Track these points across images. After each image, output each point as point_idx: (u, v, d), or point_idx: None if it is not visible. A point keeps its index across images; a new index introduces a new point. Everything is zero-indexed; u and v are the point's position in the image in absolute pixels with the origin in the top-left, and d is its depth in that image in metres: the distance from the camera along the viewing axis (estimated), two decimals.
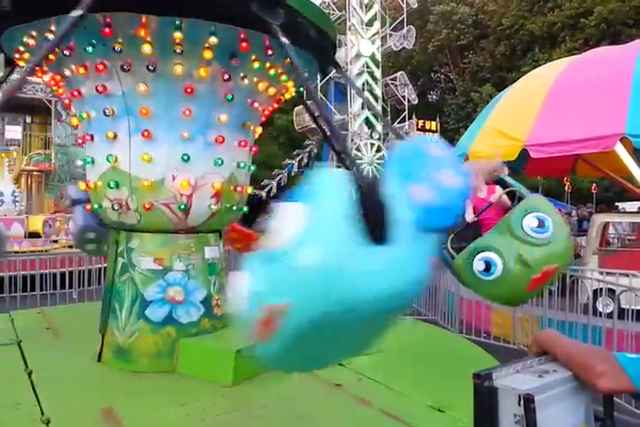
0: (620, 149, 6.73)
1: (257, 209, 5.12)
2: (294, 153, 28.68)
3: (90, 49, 3.34)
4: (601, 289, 6.16)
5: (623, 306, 5.44)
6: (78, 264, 8.11)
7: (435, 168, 1.52)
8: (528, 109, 7.12)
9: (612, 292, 5.81)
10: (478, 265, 2.65)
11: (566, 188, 20.84)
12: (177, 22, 3.25)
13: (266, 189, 27.53)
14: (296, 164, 28.13)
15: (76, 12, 2.81)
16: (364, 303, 1.31)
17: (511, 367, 1.02)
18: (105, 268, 4.14)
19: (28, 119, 21.41)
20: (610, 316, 5.30)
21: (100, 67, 3.42)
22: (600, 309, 5.80)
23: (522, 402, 0.90)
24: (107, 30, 3.23)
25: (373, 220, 1.49)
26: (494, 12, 36.23)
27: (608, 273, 6.13)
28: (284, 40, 3.17)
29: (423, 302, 7.81)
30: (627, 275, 5.74)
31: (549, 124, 6.76)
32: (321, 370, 3.48)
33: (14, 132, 20.38)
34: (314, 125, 22.99)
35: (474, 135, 8.21)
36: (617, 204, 21.63)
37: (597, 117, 6.36)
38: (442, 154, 1.59)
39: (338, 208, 1.37)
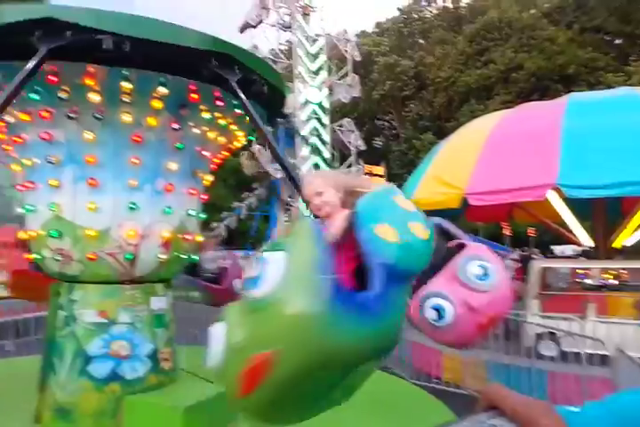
0: (553, 198, 7.14)
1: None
2: (243, 195, 28.63)
3: (34, 96, 3.29)
4: (543, 332, 6.34)
5: (565, 349, 5.61)
6: (13, 313, 7.58)
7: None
8: (467, 159, 7.49)
9: (554, 335, 6.01)
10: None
11: (506, 231, 21.70)
12: (125, 73, 3.26)
13: (214, 233, 27.12)
14: (245, 207, 28.03)
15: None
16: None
17: (462, 424, 1.04)
18: (44, 317, 3.91)
19: None
20: (553, 359, 5.44)
21: (45, 114, 3.37)
22: (543, 352, 5.95)
23: None
24: (53, 78, 3.21)
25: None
26: (432, 65, 38.50)
27: (549, 317, 6.34)
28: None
29: None
30: (566, 319, 5.95)
31: (486, 174, 7.12)
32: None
33: None
34: (262, 170, 23.20)
35: (417, 182, 8.50)
36: (552, 246, 22.70)
37: (530, 168, 6.76)
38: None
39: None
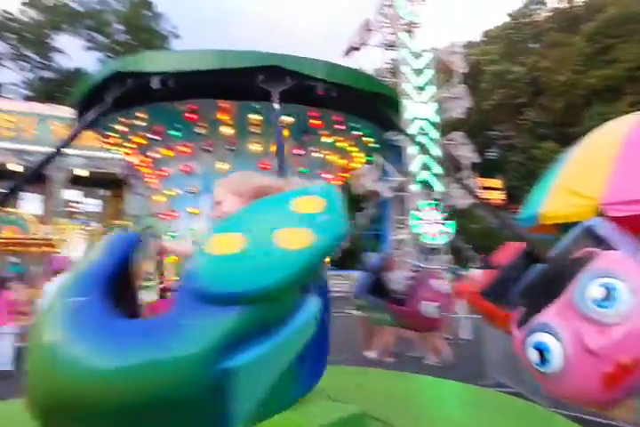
0: None
1: None
2: (352, 216, 28.86)
3: (176, 133, 3.61)
4: None
5: None
6: None
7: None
8: (601, 166, 6.85)
9: None
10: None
11: None
12: (254, 106, 3.48)
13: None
14: (355, 226, 28.23)
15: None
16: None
17: None
18: None
19: (104, 192, 22.98)
20: None
21: (185, 148, 3.68)
22: None
23: None
24: (190, 116, 3.51)
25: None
26: (547, 69, 36.46)
27: None
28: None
29: (504, 372, 7.31)
30: None
31: (625, 182, 6.49)
32: None
33: (93, 205, 21.91)
34: (372, 188, 23.23)
35: (543, 194, 7.98)
36: None
37: None
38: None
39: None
